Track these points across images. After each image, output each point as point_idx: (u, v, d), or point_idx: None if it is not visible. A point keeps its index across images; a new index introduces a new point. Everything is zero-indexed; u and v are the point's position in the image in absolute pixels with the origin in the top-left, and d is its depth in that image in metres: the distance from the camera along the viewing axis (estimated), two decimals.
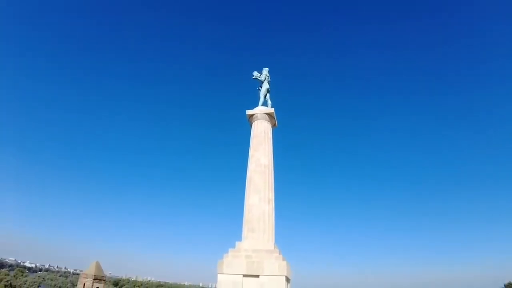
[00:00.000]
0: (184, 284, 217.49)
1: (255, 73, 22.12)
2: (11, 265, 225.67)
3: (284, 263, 15.84)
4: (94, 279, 26.09)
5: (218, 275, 16.01)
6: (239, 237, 17.98)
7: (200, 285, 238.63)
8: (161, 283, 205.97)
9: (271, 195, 18.40)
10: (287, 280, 16.14)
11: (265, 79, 21.91)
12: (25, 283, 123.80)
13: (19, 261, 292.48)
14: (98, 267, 27.11)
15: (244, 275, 15.75)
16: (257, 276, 15.59)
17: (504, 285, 52.39)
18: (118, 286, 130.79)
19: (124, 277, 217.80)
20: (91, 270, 26.47)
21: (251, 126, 20.94)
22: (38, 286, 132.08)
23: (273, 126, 21.32)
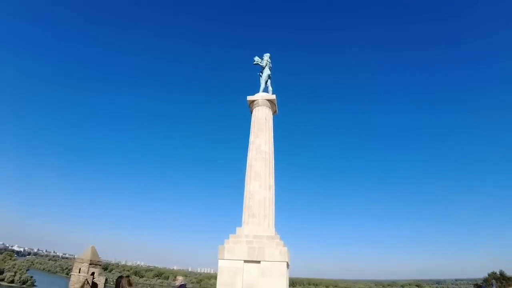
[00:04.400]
0: (173, 269, 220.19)
1: (256, 59, 21.79)
2: None
3: (285, 249, 16.03)
4: (90, 264, 25.97)
5: (219, 261, 16.10)
6: (238, 223, 18.05)
7: (189, 270, 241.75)
8: (150, 267, 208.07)
9: (271, 181, 18.45)
10: (287, 265, 16.39)
11: (266, 65, 21.60)
12: (13, 267, 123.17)
13: (7, 245, 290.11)
14: (94, 252, 26.97)
15: (245, 261, 15.88)
16: (258, 262, 15.75)
17: (488, 274, 54.66)
18: (107, 271, 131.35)
19: (113, 262, 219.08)
20: (86, 255, 26.31)
21: (251, 112, 20.77)
22: (26, 270, 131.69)
23: (274, 113, 21.19)
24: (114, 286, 9.36)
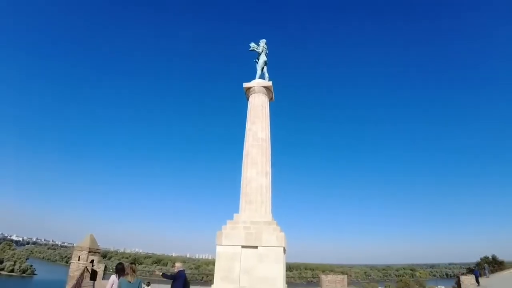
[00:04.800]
0: (172, 255, 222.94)
1: (252, 45, 21.54)
2: None
3: (282, 234, 16.26)
4: (89, 252, 26.15)
5: (217, 246, 16.33)
6: (235, 210, 18.24)
7: (188, 256, 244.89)
8: (149, 254, 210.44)
9: (268, 168, 18.56)
10: (284, 250, 16.66)
11: (262, 51, 21.38)
12: (13, 256, 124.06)
13: (5, 235, 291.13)
14: (93, 240, 27.14)
15: (243, 246, 16.13)
16: (256, 247, 16.00)
17: (480, 259, 55.87)
18: (106, 258, 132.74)
19: (112, 249, 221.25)
20: (85, 243, 26.46)
21: (247, 99, 20.70)
22: (26, 259, 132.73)
23: (270, 99, 21.13)
24: (114, 272, 9.46)
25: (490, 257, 55.02)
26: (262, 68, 21.23)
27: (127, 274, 7.97)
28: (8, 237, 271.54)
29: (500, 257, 55.62)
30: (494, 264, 50.47)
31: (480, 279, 30.06)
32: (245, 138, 19.34)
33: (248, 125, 19.51)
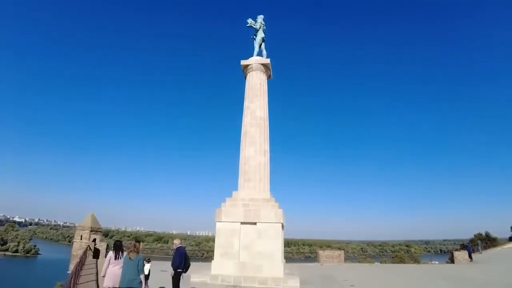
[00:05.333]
0: (172, 233, 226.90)
1: (250, 21, 20.99)
2: (0, 221, 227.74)
3: (280, 211, 16.48)
4: (91, 231, 26.62)
5: (217, 223, 16.59)
6: (234, 188, 18.41)
7: (188, 233, 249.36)
8: (150, 232, 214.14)
9: (266, 146, 18.57)
10: (282, 227, 16.94)
11: (260, 28, 20.85)
12: (16, 237, 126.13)
13: (8, 217, 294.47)
14: (94, 219, 27.56)
15: (242, 223, 16.39)
16: (255, 223, 16.26)
17: (474, 235, 57.00)
18: (108, 237, 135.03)
19: (113, 228, 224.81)
20: (87, 222, 26.90)
21: (245, 77, 20.41)
22: (29, 239, 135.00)
23: (269, 77, 20.83)
24: (113, 248, 9.58)
25: (484, 234, 56.25)
26: (260, 45, 20.78)
27: (130, 251, 8.10)
28: (11, 219, 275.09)
29: (494, 234, 56.89)
30: (487, 241, 51.63)
31: (473, 254, 30.88)
32: (243, 117, 19.22)
33: (246, 104, 19.33)
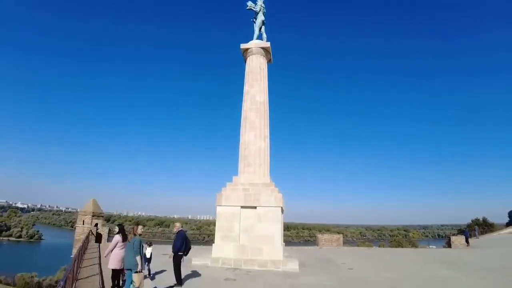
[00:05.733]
0: (174, 217, 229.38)
1: (249, 3, 20.56)
2: (3, 207, 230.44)
3: (280, 195, 16.62)
4: (93, 215, 26.92)
5: (217, 207, 16.75)
6: (235, 173, 18.50)
7: (189, 217, 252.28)
8: (151, 217, 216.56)
9: (266, 131, 18.54)
10: (282, 210, 17.13)
11: (260, 10, 20.44)
12: (19, 223, 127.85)
13: (10, 203, 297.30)
14: (95, 204, 27.84)
15: (242, 207, 16.55)
16: (254, 207, 16.42)
17: (471, 221, 57.62)
18: (110, 222, 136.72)
19: (115, 213, 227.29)
20: (88, 207, 27.18)
21: (245, 61, 20.19)
22: (32, 225, 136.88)
23: (269, 61, 20.61)
24: (118, 231, 9.75)
25: (481, 219, 56.89)
26: (260, 28, 20.43)
27: (130, 234, 8.28)
28: (13, 205, 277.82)
29: (491, 220, 57.56)
30: (484, 226, 52.28)
31: (470, 239, 31.33)
32: (243, 102, 19.11)
33: (245, 88, 19.18)
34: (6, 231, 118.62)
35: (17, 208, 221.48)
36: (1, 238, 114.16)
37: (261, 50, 19.75)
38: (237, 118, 19.44)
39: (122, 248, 9.01)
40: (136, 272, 7.78)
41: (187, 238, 11.26)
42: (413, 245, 38.54)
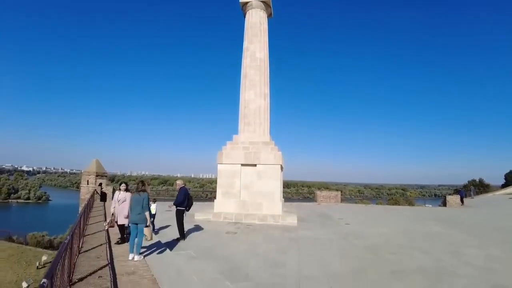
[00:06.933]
0: (177, 176, 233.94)
1: None
2: (9, 171, 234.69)
3: (279, 153, 16.77)
4: (97, 175, 27.42)
5: (218, 165, 17.01)
6: (235, 132, 18.52)
7: (192, 176, 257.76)
8: (155, 176, 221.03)
9: (266, 90, 18.26)
10: (281, 168, 17.38)
11: None
12: (26, 185, 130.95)
13: (15, 166, 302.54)
14: (99, 164, 28.24)
15: (242, 165, 16.79)
16: (255, 165, 16.66)
17: (468, 181, 58.54)
18: (114, 182, 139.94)
19: (119, 173, 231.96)
20: (92, 167, 27.60)
21: (244, 16, 19.31)
22: (39, 187, 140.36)
23: (269, 16, 19.73)
24: (119, 188, 9.99)
25: (477, 180, 57.92)
26: None
27: (137, 190, 8.44)
28: (19, 168, 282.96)
29: (487, 181, 58.58)
30: (480, 187, 53.36)
31: (465, 199, 32.09)
32: (242, 59, 18.59)
33: (245, 45, 18.57)
34: (14, 193, 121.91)
35: (22, 171, 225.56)
36: (10, 200, 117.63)
37: (261, 3, 18.82)
38: (238, 76, 19.01)
39: (126, 204, 9.28)
40: (147, 226, 8.08)
41: (189, 194, 11.52)
42: (410, 203, 39.60)
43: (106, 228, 10.91)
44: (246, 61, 18.30)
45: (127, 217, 8.97)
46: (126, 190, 9.84)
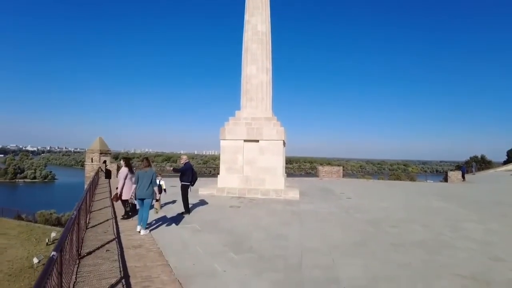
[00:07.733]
0: (180, 153, 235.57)
1: None
2: (14, 151, 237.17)
3: (282, 129, 16.73)
4: (100, 153, 27.64)
5: (221, 141, 17.03)
6: (237, 108, 18.37)
7: (195, 153, 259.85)
8: (159, 153, 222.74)
9: (268, 64, 17.91)
10: (284, 144, 17.38)
11: None
12: (32, 165, 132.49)
13: (20, 146, 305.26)
14: (102, 142, 28.39)
15: (245, 140, 16.80)
16: (257, 141, 16.67)
17: (470, 158, 58.44)
18: (118, 159, 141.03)
19: (123, 151, 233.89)
20: (95, 145, 27.77)
21: None
22: (45, 166, 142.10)
23: None
24: (125, 165, 10.04)
25: (479, 156, 57.90)
26: None
27: (144, 166, 8.53)
28: (24, 148, 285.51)
29: (489, 157, 58.54)
30: (482, 163, 53.41)
31: (466, 175, 32.20)
32: (244, 32, 18.09)
33: (246, 18, 18.00)
34: (20, 173, 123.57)
35: (27, 151, 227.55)
36: (17, 180, 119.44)
37: None
38: (239, 50, 18.58)
39: (131, 179, 9.38)
40: (157, 200, 8.32)
41: (193, 170, 11.64)
42: (411, 179, 39.90)
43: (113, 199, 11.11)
44: (247, 34, 17.82)
45: (132, 192, 9.11)
46: (127, 165, 9.86)
